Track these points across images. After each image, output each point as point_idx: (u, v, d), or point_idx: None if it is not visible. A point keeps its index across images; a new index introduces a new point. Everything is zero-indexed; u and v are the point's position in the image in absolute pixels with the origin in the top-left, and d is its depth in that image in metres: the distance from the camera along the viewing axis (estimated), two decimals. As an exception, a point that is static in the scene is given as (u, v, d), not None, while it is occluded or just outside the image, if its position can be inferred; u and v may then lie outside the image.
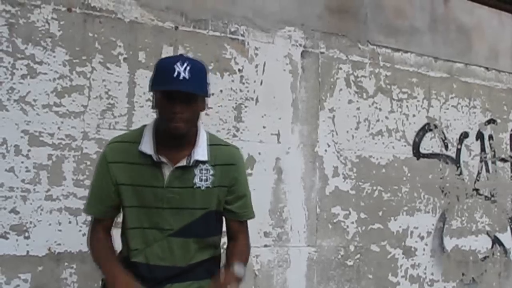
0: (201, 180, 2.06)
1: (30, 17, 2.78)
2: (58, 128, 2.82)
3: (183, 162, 2.03)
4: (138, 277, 2.05)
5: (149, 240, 2.08)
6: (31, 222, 2.75)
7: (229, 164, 2.12)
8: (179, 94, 1.92)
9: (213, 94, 3.14)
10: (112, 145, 2.12)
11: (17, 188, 2.72)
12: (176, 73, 1.90)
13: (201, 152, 2.06)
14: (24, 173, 2.74)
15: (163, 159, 2.02)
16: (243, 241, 2.21)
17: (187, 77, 1.90)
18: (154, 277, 2.08)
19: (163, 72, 1.95)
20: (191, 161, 2.04)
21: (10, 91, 2.73)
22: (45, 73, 2.80)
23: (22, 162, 2.74)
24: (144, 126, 2.14)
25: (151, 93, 2.12)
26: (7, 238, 2.70)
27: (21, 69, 2.75)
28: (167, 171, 2.04)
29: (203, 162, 2.06)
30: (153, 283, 2.07)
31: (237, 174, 2.13)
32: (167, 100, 1.94)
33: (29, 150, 2.75)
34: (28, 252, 2.73)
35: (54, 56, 2.82)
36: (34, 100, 2.77)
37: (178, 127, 1.95)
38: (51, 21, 2.83)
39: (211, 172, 2.08)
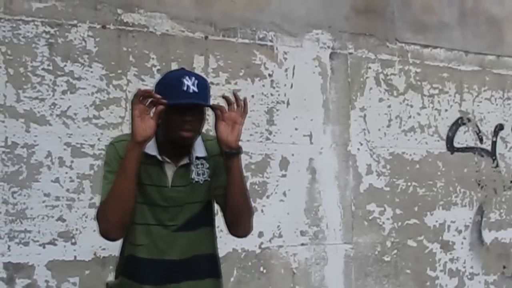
0: (198, 174, 2.12)
1: (68, 36, 2.95)
2: (98, 139, 2.97)
3: (185, 160, 2.09)
4: (142, 274, 2.11)
5: (153, 236, 2.12)
6: (76, 229, 2.91)
7: (216, 155, 2.14)
8: (190, 106, 1.99)
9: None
10: (119, 143, 2.13)
11: (63, 197, 2.89)
12: (185, 86, 1.98)
13: (199, 149, 2.13)
14: (68, 183, 2.90)
15: (167, 160, 2.08)
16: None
17: (196, 90, 1.99)
18: (159, 272, 2.12)
19: (172, 86, 2.00)
20: (193, 158, 2.10)
21: (52, 106, 2.89)
22: (84, 88, 2.96)
23: (66, 173, 2.90)
24: None
25: None
26: (55, 245, 2.86)
27: (61, 85, 2.92)
28: (170, 171, 2.09)
29: (199, 158, 2.13)
30: (156, 280, 2.11)
31: (219, 160, 2.14)
32: (178, 112, 1.98)
33: (72, 161, 2.91)
34: (75, 257, 2.90)
35: (92, 72, 2.98)
36: (75, 114, 2.94)
37: (188, 137, 2.01)
38: (87, 39, 2.99)
39: (206, 165, 2.15)
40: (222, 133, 2.03)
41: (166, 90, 2.01)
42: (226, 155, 2.04)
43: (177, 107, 1.98)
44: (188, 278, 2.15)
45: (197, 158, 2.13)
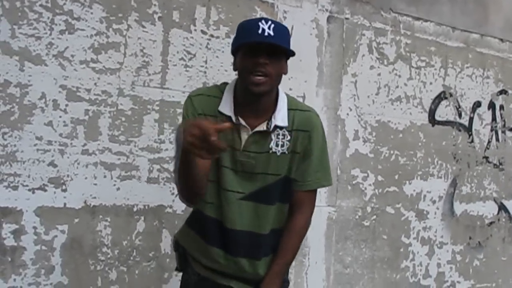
0: (277, 145, 2.02)
1: (69, -27, 2.80)
2: (95, 84, 2.86)
3: (262, 127, 2.00)
4: (209, 234, 2.08)
5: (221, 198, 2.06)
6: (68, 176, 2.81)
7: (304, 130, 2.06)
8: (263, 48, 1.90)
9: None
10: (196, 97, 2.07)
11: (55, 141, 2.77)
12: (261, 29, 1.90)
13: (281, 117, 2.02)
14: (62, 127, 2.79)
15: (242, 122, 1.99)
16: (301, 216, 2.13)
17: (272, 33, 1.90)
18: (224, 239, 2.07)
19: (247, 29, 1.95)
20: (271, 126, 2.00)
21: (48, 46, 2.75)
22: (83, 29, 2.83)
23: (60, 117, 2.78)
24: (225, 84, 2.12)
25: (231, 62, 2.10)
26: (45, 190, 2.76)
27: (59, 24, 2.77)
28: (245, 135, 2.01)
29: (281, 127, 2.02)
30: (223, 245, 2.07)
31: (308, 141, 2.06)
32: (250, 55, 1.91)
33: (66, 105, 2.79)
34: (65, 204, 2.80)
35: (92, 13, 2.85)
36: (72, 56, 2.81)
37: (260, 82, 1.91)
38: (88, -22, 2.85)
39: (288, 137, 2.03)
40: None
41: (241, 34, 1.97)
42: None
43: (251, 50, 1.90)
44: (248, 254, 2.08)
45: (278, 127, 2.02)
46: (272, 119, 2.01)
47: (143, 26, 2.97)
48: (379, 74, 3.79)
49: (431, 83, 4.03)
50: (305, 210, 2.15)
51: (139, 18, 2.96)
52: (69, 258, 2.80)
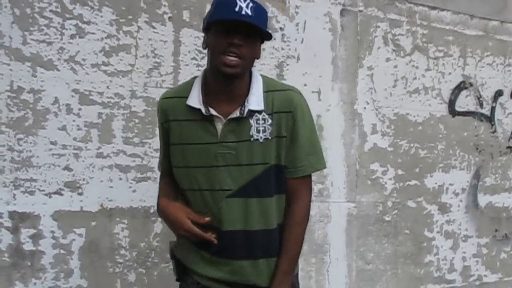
0: (258, 131, 1.88)
1: (77, -23, 2.81)
2: (107, 87, 2.86)
3: (236, 113, 1.87)
4: (206, 243, 1.96)
5: (208, 203, 1.93)
6: (83, 179, 2.82)
7: (286, 111, 1.90)
8: (239, 28, 1.77)
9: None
10: (161, 102, 2.01)
11: (70, 145, 2.79)
12: (238, 7, 1.76)
13: (255, 100, 1.88)
14: (75, 131, 2.80)
15: (213, 112, 1.86)
16: (299, 205, 1.98)
17: (250, 13, 1.77)
18: (220, 244, 1.94)
19: (223, 5, 1.80)
20: (245, 112, 1.86)
21: (60, 51, 2.77)
22: (93, 33, 2.83)
23: (74, 121, 2.79)
24: (195, 78, 2.00)
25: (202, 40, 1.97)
26: (61, 195, 2.78)
27: (70, 29, 2.79)
28: (219, 124, 1.88)
29: (259, 112, 1.88)
30: (214, 249, 1.95)
31: (292, 123, 1.91)
32: (224, 34, 1.78)
33: (79, 109, 2.81)
34: (81, 208, 2.82)
35: (101, 16, 2.85)
36: (83, 60, 2.81)
37: (232, 63, 1.78)
38: (97, -19, 2.86)
39: (269, 121, 1.88)
40: None
41: (214, 11, 1.83)
42: None
43: (225, 28, 1.78)
44: (246, 255, 1.94)
45: (255, 111, 1.88)
46: (246, 104, 1.87)
47: (154, 27, 2.97)
48: (395, 66, 3.72)
49: (450, 73, 3.95)
50: (302, 198, 1.99)
51: (149, 19, 2.96)
52: (87, 261, 2.82)
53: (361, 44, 3.59)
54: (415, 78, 3.80)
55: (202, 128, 1.89)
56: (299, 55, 3.36)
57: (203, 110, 1.87)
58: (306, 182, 2.00)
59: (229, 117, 1.88)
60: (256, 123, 1.88)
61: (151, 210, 2.94)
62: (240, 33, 1.78)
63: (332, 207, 3.48)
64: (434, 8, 3.87)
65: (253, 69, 1.97)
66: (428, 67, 3.86)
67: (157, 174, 2.93)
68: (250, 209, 1.92)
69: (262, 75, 1.99)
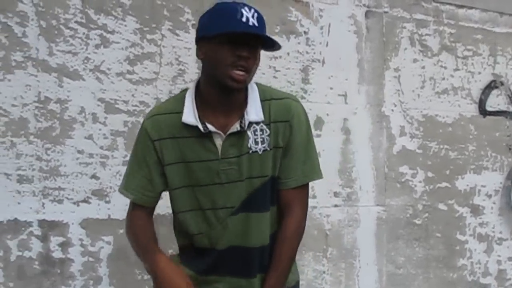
0: (256, 143, 1.78)
1: (101, -12, 2.84)
2: (132, 95, 2.89)
3: (235, 127, 1.76)
4: (204, 267, 1.88)
5: (211, 222, 1.84)
6: (110, 187, 2.84)
7: (283, 121, 1.81)
8: (246, 39, 1.67)
9: (280, 56, 3.17)
10: (152, 118, 1.83)
11: (96, 154, 2.81)
12: (244, 17, 1.65)
13: (254, 111, 1.78)
14: (102, 140, 2.83)
15: (212, 128, 1.75)
16: (291, 220, 1.87)
17: (256, 24, 1.67)
18: (222, 264, 1.87)
19: (224, 14, 1.68)
20: (246, 124, 1.76)
21: (85, 61, 2.80)
22: (117, 42, 2.86)
23: (100, 129, 2.82)
24: (184, 91, 1.88)
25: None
26: (89, 203, 2.80)
27: (94, 39, 2.81)
28: (219, 140, 1.77)
29: (257, 122, 1.78)
30: (218, 273, 1.88)
31: (289, 132, 1.82)
32: (230, 45, 1.66)
33: (105, 118, 2.83)
34: (109, 215, 2.84)
35: (125, 25, 2.88)
36: (108, 69, 2.84)
37: (242, 79, 1.69)
38: (120, -9, 2.88)
39: (267, 132, 1.79)
40: None
41: (216, 19, 1.70)
42: None
43: (230, 40, 1.66)
44: (244, 272, 1.87)
45: (253, 123, 1.78)
46: (245, 116, 1.77)
47: (177, 35, 2.98)
48: (423, 67, 3.66)
49: (479, 73, 3.87)
50: (295, 210, 1.87)
51: (173, 27, 2.97)
52: (115, 268, 2.83)
53: (387, 45, 3.55)
54: (443, 79, 3.73)
55: (200, 145, 1.78)
56: (324, 58, 3.34)
57: (200, 127, 1.75)
58: (301, 193, 1.89)
59: (229, 131, 1.77)
60: (254, 134, 1.78)
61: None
62: (248, 44, 1.69)
63: (361, 211, 3.44)
64: (461, 6, 3.80)
65: None
66: (456, 67, 3.79)
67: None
68: (250, 225, 1.84)
69: (256, 83, 1.88)
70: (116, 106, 2.85)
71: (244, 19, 1.65)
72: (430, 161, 3.68)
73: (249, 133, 1.77)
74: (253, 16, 1.67)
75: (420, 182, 3.63)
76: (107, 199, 2.84)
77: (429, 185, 3.67)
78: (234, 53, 1.66)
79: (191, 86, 1.85)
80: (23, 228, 2.68)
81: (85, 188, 2.80)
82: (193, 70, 3.00)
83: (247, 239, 1.85)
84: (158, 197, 1.95)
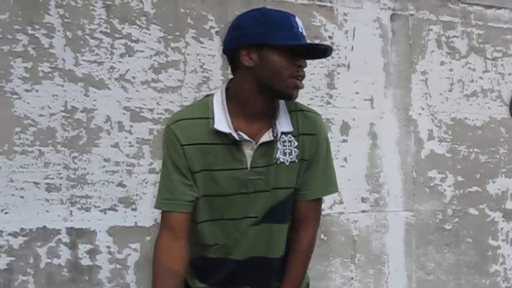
0: (284, 154, 1.76)
1: (126, -2, 2.87)
2: (157, 103, 2.91)
3: (267, 137, 1.73)
4: (219, 279, 1.85)
5: (230, 232, 1.80)
6: (137, 195, 2.87)
7: (311, 134, 1.81)
8: (304, 51, 1.70)
9: (305, 62, 3.15)
10: (179, 123, 1.75)
11: (123, 162, 2.84)
12: (300, 29, 1.70)
13: (285, 121, 1.77)
14: (128, 148, 2.86)
15: (245, 137, 1.71)
16: (307, 234, 1.89)
17: (304, 34, 1.73)
18: (241, 276, 1.85)
19: (282, 25, 1.68)
20: (278, 134, 1.74)
21: (110, 70, 2.83)
22: (142, 51, 2.89)
23: (126, 138, 2.85)
24: (207, 97, 1.82)
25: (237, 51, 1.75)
26: (116, 211, 2.83)
27: (119, 48, 2.85)
28: (249, 150, 1.73)
29: (286, 133, 1.76)
30: (235, 284, 1.86)
31: (316, 146, 1.82)
32: (290, 55, 1.67)
33: (131, 126, 2.86)
34: (136, 223, 2.86)
35: (150, 34, 2.90)
36: (133, 77, 2.87)
37: (302, 86, 1.70)
38: (144, 0, 2.90)
39: (295, 143, 1.78)
40: None
41: (275, 28, 1.67)
42: None
43: (290, 51, 1.67)
44: (262, 283, 1.87)
45: (283, 133, 1.76)
46: (277, 125, 1.75)
47: (201, 42, 3.00)
48: (451, 70, 3.60)
49: (510, 74, 3.78)
50: (312, 223, 1.90)
51: (197, 35, 2.99)
52: (142, 275, 2.85)
53: (414, 48, 3.50)
54: (472, 81, 3.66)
55: (228, 153, 1.73)
56: (349, 63, 3.31)
57: (235, 135, 1.70)
58: (317, 206, 1.91)
59: (261, 141, 1.73)
60: (283, 145, 1.76)
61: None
62: (304, 58, 1.71)
63: (389, 217, 3.40)
64: (490, 7, 3.73)
65: None
66: (485, 68, 3.71)
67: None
68: (273, 235, 1.83)
69: None
70: (142, 114, 2.88)
71: (300, 30, 1.70)
72: (460, 165, 3.61)
73: (278, 143, 1.75)
74: (301, 28, 1.73)
75: (449, 186, 3.57)
76: (134, 206, 2.86)
77: (459, 190, 3.60)
78: (295, 63, 1.68)
79: (218, 92, 1.80)
80: (52, 236, 2.73)
81: (112, 196, 2.82)
82: (217, 77, 3.01)
83: (269, 250, 1.84)
84: (191, 206, 1.78)
